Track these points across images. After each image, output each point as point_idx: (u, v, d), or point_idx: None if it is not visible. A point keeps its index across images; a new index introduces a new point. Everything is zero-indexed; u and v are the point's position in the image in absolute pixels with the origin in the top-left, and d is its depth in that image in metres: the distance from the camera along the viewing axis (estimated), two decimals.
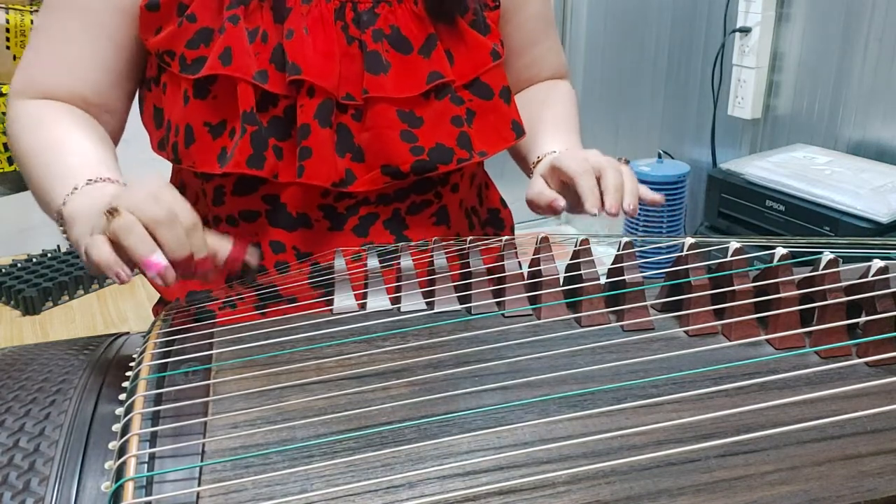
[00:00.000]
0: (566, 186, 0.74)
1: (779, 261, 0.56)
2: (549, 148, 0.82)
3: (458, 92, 0.77)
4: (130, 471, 0.42)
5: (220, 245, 0.60)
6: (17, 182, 2.11)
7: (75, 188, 0.65)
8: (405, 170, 0.74)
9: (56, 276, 1.46)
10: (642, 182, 0.73)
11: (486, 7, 0.81)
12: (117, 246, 0.55)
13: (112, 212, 0.55)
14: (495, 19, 0.82)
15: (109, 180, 0.66)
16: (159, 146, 0.76)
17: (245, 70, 0.70)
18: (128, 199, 0.56)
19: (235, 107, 0.70)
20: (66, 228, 0.65)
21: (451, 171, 0.77)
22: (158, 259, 0.54)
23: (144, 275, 0.55)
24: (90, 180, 0.65)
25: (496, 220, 0.92)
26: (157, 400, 0.48)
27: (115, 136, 0.79)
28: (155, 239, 0.55)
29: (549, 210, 0.74)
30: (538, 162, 0.82)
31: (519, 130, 0.81)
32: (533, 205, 0.76)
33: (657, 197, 0.73)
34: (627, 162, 0.75)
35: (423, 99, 0.75)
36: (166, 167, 0.80)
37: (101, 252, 0.55)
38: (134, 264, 0.55)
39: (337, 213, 0.77)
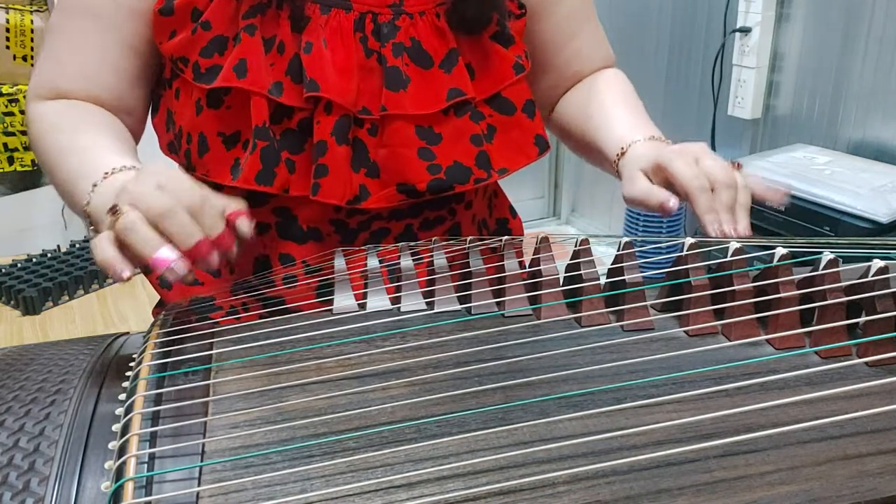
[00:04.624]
0: (671, 185, 0.69)
1: (779, 261, 0.56)
2: (631, 137, 0.77)
3: (478, 107, 0.75)
4: (130, 471, 0.42)
5: (228, 205, 0.58)
6: (17, 182, 2.11)
7: (95, 185, 0.63)
8: (421, 188, 0.73)
9: (56, 276, 1.46)
10: None
11: (511, 16, 0.79)
12: (124, 245, 0.54)
13: (114, 210, 0.54)
14: (519, 29, 0.80)
15: (125, 168, 0.64)
16: (169, 149, 0.75)
17: (260, 83, 0.68)
18: (131, 193, 0.54)
19: (249, 118, 0.69)
20: (95, 227, 0.63)
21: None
22: (166, 255, 0.53)
23: (149, 273, 0.54)
24: (106, 173, 0.64)
25: (504, 231, 0.90)
26: (157, 400, 0.48)
27: (135, 133, 0.78)
28: (162, 230, 0.53)
29: (660, 210, 0.69)
30: (623, 153, 0.77)
31: (542, 145, 0.79)
32: (637, 202, 0.71)
33: (781, 195, 0.69)
34: (740, 167, 0.69)
35: (442, 115, 0.73)
36: (171, 166, 0.80)
37: (104, 251, 0.53)
38: (143, 263, 0.54)
39: (349, 228, 0.76)
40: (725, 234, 0.65)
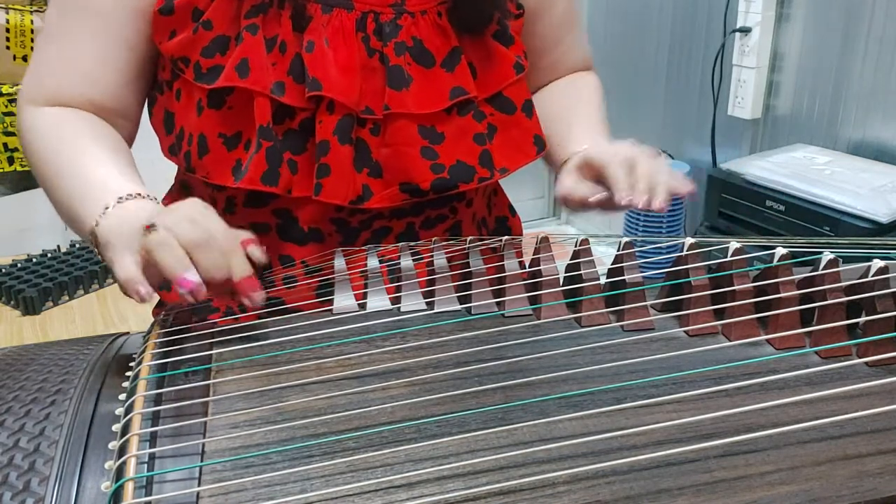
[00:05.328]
0: (599, 181, 0.72)
1: (779, 261, 0.56)
2: (580, 146, 0.80)
3: (480, 106, 0.75)
4: (130, 471, 0.42)
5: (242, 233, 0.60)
6: (17, 182, 2.11)
7: (106, 208, 0.63)
8: (425, 188, 0.73)
9: (56, 276, 1.46)
10: None
11: (510, 15, 0.79)
12: (149, 263, 0.55)
13: (149, 227, 0.55)
14: (518, 28, 0.80)
15: (139, 196, 0.65)
16: (170, 151, 0.75)
17: (263, 83, 0.68)
18: (166, 219, 0.56)
19: (251, 119, 0.69)
20: (100, 250, 0.64)
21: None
22: (192, 277, 0.54)
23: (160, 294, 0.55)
24: (120, 198, 0.64)
25: (504, 229, 0.91)
26: (157, 400, 0.48)
27: (129, 139, 0.78)
28: (191, 260, 0.55)
29: (583, 205, 0.72)
30: (568, 161, 0.79)
31: (541, 145, 0.79)
32: (566, 200, 0.74)
33: (691, 188, 0.71)
34: (662, 153, 0.72)
35: (445, 115, 0.73)
36: (171, 168, 0.79)
37: (125, 268, 0.55)
38: (164, 281, 0.55)
39: (350, 227, 0.76)
40: (636, 206, 0.67)
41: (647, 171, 0.69)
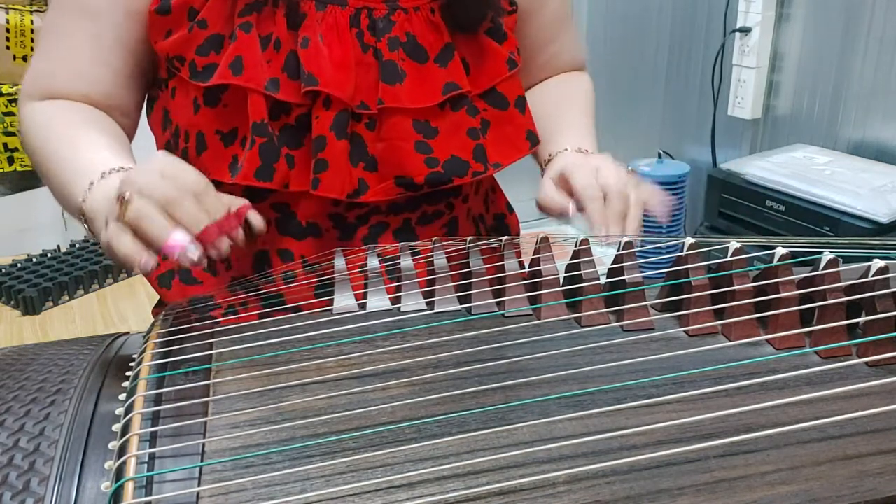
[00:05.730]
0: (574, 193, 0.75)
1: (779, 261, 0.56)
2: (563, 145, 0.82)
3: (473, 101, 0.76)
4: (130, 471, 0.42)
5: (232, 201, 0.60)
6: (17, 182, 2.11)
7: (91, 183, 0.64)
8: (419, 181, 0.73)
9: (56, 276, 1.46)
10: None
11: (503, 12, 0.80)
12: (138, 234, 0.56)
13: (122, 198, 0.55)
14: (511, 25, 0.81)
15: (122, 169, 0.65)
16: (166, 149, 0.76)
17: (256, 80, 0.69)
18: (136, 182, 0.56)
19: (246, 115, 0.70)
20: (89, 225, 0.65)
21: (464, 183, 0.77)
22: (180, 239, 0.54)
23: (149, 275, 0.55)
24: (104, 173, 0.65)
25: (502, 226, 0.91)
26: (157, 400, 0.48)
27: (128, 133, 0.78)
28: (172, 217, 0.55)
29: (559, 215, 0.75)
30: (550, 160, 0.81)
31: (534, 140, 0.80)
32: (541, 208, 0.77)
33: (665, 211, 0.74)
34: (634, 171, 0.75)
35: (438, 109, 0.74)
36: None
37: (123, 243, 0.55)
38: (157, 250, 0.56)
39: (347, 223, 0.76)
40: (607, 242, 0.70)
41: (617, 209, 0.71)
